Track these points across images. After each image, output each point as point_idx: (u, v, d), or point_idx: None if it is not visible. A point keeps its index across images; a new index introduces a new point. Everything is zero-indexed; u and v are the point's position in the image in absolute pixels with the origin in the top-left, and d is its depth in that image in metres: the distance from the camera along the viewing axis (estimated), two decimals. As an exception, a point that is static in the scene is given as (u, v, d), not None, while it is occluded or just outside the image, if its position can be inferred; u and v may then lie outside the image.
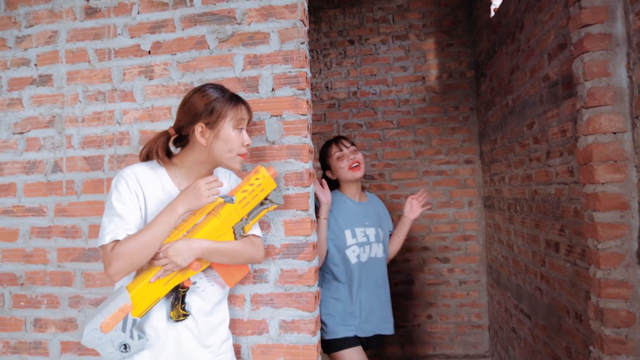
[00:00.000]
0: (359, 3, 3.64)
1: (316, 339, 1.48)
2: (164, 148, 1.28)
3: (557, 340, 2.07)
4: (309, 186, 1.50)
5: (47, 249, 1.65)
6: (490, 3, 3.04)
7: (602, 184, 1.42)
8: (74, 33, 1.67)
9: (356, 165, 1.99)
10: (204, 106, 1.22)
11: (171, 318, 1.23)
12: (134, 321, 1.15)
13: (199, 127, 1.22)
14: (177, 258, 1.16)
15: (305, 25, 1.57)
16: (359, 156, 2.01)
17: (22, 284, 1.66)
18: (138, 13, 1.63)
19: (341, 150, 2.02)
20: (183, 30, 1.59)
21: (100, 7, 1.66)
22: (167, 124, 1.59)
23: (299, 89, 1.51)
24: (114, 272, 1.15)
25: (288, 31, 1.53)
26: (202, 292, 1.29)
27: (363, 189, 2.17)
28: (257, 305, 1.50)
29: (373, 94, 3.57)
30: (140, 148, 1.59)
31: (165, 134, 1.30)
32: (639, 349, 1.36)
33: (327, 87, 3.62)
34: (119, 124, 1.62)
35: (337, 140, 2.06)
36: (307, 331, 1.47)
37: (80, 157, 1.64)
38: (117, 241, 1.15)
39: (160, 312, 1.24)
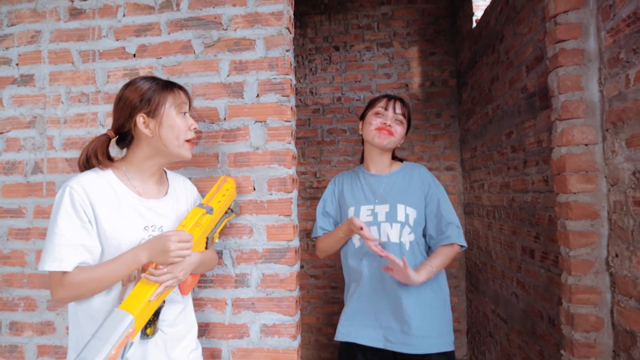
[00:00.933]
0: (344, 10, 3.69)
1: (296, 343, 1.49)
2: (104, 151, 1.20)
3: (531, 344, 2.13)
4: (291, 192, 1.52)
5: (25, 251, 1.63)
6: (472, 14, 3.12)
7: (574, 193, 1.48)
8: (58, 33, 1.66)
9: (386, 132, 1.62)
10: (139, 97, 1.17)
11: (147, 335, 1.17)
12: (131, 344, 1.09)
13: (140, 118, 1.16)
14: (180, 273, 1.14)
15: (290, 33, 1.59)
16: (399, 130, 1.65)
17: (-2, 287, 1.63)
18: (124, 15, 1.63)
19: (386, 109, 1.65)
20: (169, 34, 1.60)
21: (85, 8, 1.65)
22: (151, 127, 1.59)
23: (283, 96, 1.53)
24: (59, 300, 1.11)
25: (274, 38, 1.55)
26: (168, 303, 1.25)
27: (401, 159, 1.78)
28: (238, 309, 1.51)
29: (357, 100, 3.61)
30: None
31: (104, 136, 1.21)
32: (607, 352, 1.41)
33: (312, 92, 3.65)
34: (102, 126, 1.62)
35: (394, 98, 1.68)
36: (288, 335, 1.48)
37: (61, 158, 1.63)
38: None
39: None
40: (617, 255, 1.38)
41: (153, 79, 1.23)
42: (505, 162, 2.47)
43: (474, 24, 3.09)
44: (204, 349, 1.48)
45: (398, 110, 1.66)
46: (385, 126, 1.61)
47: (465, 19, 3.28)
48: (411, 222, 1.58)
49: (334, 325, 3.47)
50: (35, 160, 1.64)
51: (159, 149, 1.20)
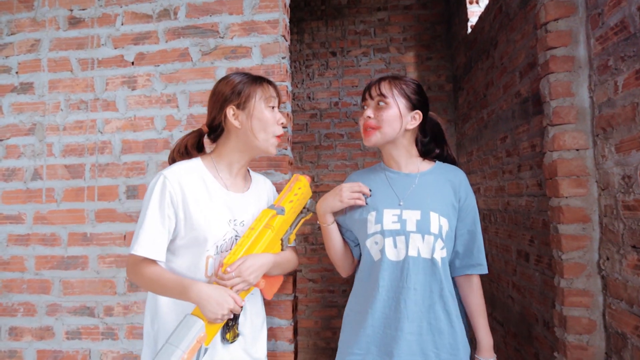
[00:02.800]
0: (341, 16, 3.72)
1: (293, 347, 1.51)
2: (194, 143, 1.27)
3: (527, 347, 2.15)
4: (288, 197, 1.54)
5: (24, 257, 1.64)
6: (467, 20, 3.15)
7: (566, 197, 1.50)
8: (57, 42, 1.69)
9: (369, 129, 1.30)
10: (230, 90, 1.21)
11: (227, 340, 1.16)
12: (205, 350, 1.08)
13: (230, 110, 1.20)
14: (250, 277, 1.12)
15: (286, 41, 1.62)
16: (384, 116, 1.27)
17: (-2, 292, 1.65)
18: (122, 24, 1.66)
19: (365, 99, 1.34)
20: (167, 42, 1.63)
21: (84, 17, 1.68)
22: (149, 134, 1.61)
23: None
24: (132, 282, 1.19)
25: (270, 46, 1.57)
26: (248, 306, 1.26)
27: (431, 155, 1.40)
28: (235, 313, 1.52)
29: (354, 104, 3.64)
30: (121, 157, 1.61)
31: (198, 131, 1.28)
32: (599, 355, 1.43)
33: (309, 97, 3.68)
34: (101, 133, 1.64)
35: (374, 83, 1.33)
36: (285, 339, 1.50)
37: (61, 165, 1.65)
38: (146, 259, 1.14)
39: None
40: (608, 259, 1.40)
41: (244, 74, 1.26)
42: (500, 166, 2.50)
43: (469, 30, 3.12)
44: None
45: (377, 91, 1.29)
46: (366, 123, 1.30)
47: (460, 25, 3.32)
48: (444, 235, 1.25)
49: (331, 329, 3.49)
50: (35, 166, 1.66)
51: (247, 142, 1.22)
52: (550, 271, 1.84)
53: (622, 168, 1.31)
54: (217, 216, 1.19)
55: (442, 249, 1.25)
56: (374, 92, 1.31)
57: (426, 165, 1.37)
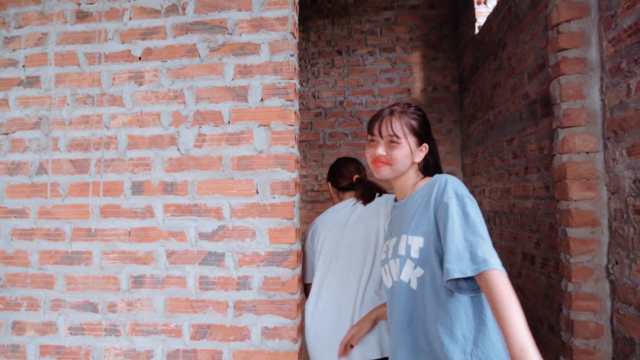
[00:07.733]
0: (347, 14, 3.71)
1: (297, 346, 1.50)
2: None
3: (530, 350, 2.13)
4: (294, 195, 1.53)
5: (28, 251, 1.64)
6: (475, 20, 3.14)
7: (575, 201, 1.49)
8: (64, 36, 1.68)
9: (380, 164, 1.31)
10: None
11: None
12: None
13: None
14: None
15: (295, 38, 1.61)
16: (396, 154, 1.28)
17: (1, 286, 1.64)
18: (130, 19, 1.64)
19: (374, 134, 1.32)
20: (174, 37, 1.61)
21: (91, 11, 1.67)
22: (155, 129, 1.60)
23: (287, 100, 1.54)
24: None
25: (278, 43, 1.56)
26: None
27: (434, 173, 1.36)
28: (240, 311, 1.52)
29: (359, 104, 3.63)
30: (127, 152, 1.60)
31: None
32: (606, 359, 1.42)
33: (314, 96, 3.66)
34: (107, 128, 1.63)
35: (384, 117, 1.32)
36: (289, 338, 1.49)
37: (66, 159, 1.64)
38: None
39: None
40: (617, 263, 1.39)
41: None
42: (506, 168, 2.48)
43: (477, 31, 3.10)
44: (204, 351, 1.49)
45: (389, 131, 1.30)
46: (377, 158, 1.32)
47: (467, 25, 3.30)
48: (414, 254, 1.21)
49: (333, 329, 3.47)
50: (40, 161, 1.65)
51: None
52: (557, 274, 1.82)
53: (634, 172, 1.29)
54: None
55: (415, 268, 1.21)
56: (384, 132, 1.30)
57: (419, 185, 1.33)
